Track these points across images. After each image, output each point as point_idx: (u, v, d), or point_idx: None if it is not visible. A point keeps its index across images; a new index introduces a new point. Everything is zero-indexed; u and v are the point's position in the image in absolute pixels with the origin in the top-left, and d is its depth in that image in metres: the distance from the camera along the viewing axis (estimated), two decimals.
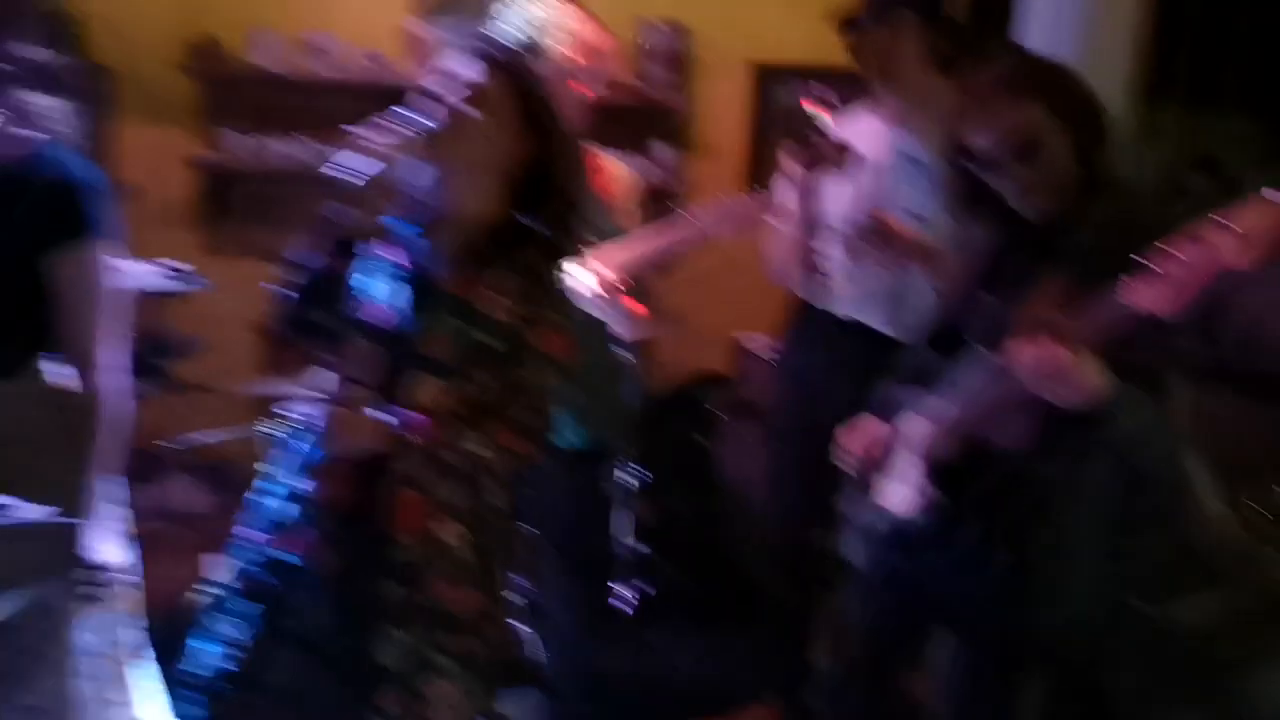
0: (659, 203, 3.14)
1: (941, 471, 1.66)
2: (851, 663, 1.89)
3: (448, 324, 1.64)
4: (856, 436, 1.86)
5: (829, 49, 2.46)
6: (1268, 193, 1.08)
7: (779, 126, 3.57)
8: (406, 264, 1.72)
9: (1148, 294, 1.22)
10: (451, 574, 1.64)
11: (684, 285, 3.02)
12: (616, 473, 2.43)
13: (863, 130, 2.27)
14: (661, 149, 3.92)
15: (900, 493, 1.73)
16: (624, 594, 2.42)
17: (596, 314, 2.19)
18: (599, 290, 2.12)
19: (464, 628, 1.63)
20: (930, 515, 1.67)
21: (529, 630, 1.86)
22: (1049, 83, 1.63)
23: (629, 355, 2.37)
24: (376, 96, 1.93)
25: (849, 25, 2.33)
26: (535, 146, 1.69)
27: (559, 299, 1.71)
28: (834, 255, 2.38)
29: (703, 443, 3.64)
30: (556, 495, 2.31)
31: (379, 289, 1.72)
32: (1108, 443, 1.54)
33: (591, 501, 2.46)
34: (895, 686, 1.91)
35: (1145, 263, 1.22)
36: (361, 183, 1.68)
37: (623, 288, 2.14)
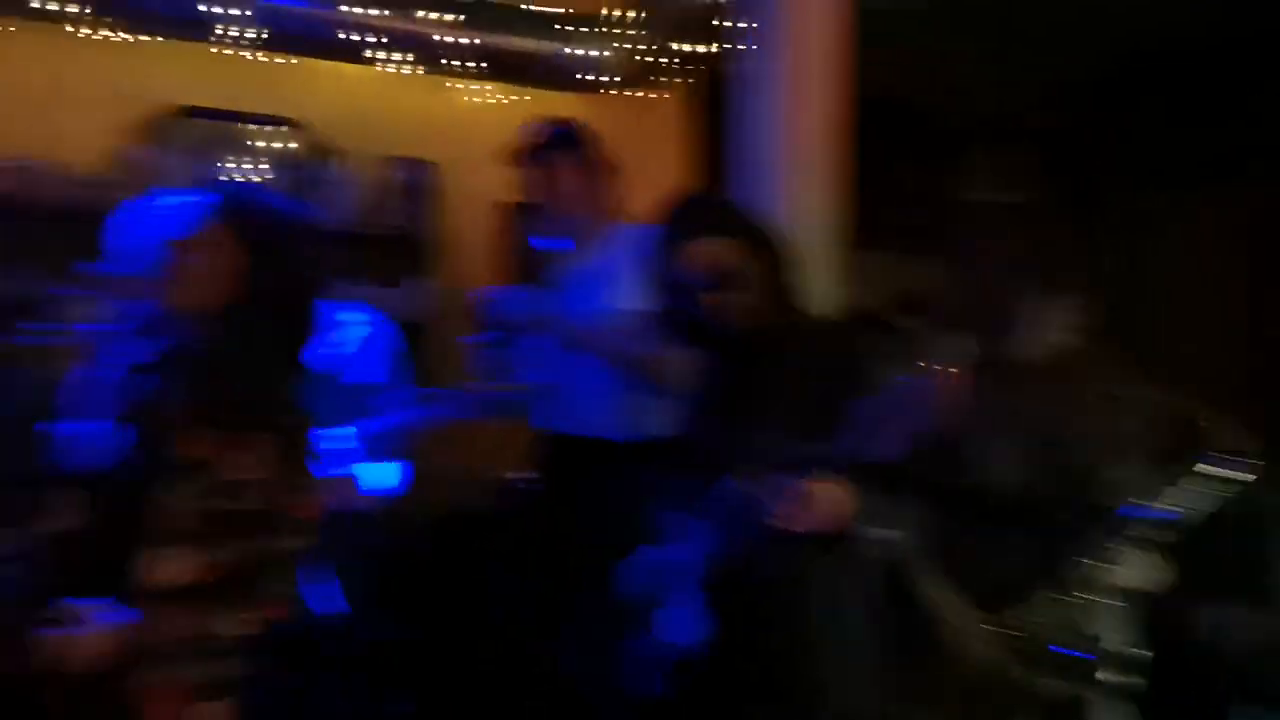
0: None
1: (711, 597, 1.72)
2: None
3: (191, 489, 1.55)
4: (636, 566, 1.88)
5: None
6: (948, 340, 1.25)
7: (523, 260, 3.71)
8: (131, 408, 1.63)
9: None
10: None
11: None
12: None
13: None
14: (412, 282, 3.92)
15: (677, 620, 1.76)
16: None
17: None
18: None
19: None
20: (706, 640, 1.71)
21: None
22: (740, 223, 1.87)
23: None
24: (89, 224, 1.82)
25: (515, 161, 2.69)
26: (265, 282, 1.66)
27: (308, 462, 1.70)
28: (559, 370, 2.48)
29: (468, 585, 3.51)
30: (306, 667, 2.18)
31: (96, 434, 1.62)
32: (862, 559, 1.65)
33: (340, 668, 2.35)
34: None
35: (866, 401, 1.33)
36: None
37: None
